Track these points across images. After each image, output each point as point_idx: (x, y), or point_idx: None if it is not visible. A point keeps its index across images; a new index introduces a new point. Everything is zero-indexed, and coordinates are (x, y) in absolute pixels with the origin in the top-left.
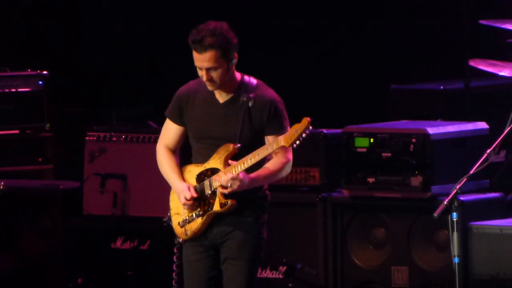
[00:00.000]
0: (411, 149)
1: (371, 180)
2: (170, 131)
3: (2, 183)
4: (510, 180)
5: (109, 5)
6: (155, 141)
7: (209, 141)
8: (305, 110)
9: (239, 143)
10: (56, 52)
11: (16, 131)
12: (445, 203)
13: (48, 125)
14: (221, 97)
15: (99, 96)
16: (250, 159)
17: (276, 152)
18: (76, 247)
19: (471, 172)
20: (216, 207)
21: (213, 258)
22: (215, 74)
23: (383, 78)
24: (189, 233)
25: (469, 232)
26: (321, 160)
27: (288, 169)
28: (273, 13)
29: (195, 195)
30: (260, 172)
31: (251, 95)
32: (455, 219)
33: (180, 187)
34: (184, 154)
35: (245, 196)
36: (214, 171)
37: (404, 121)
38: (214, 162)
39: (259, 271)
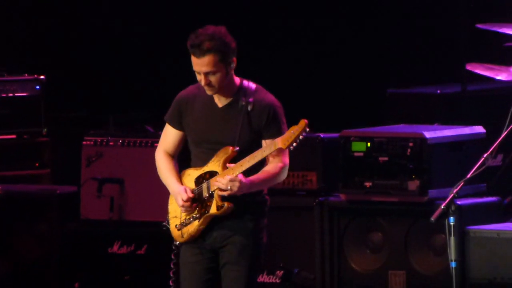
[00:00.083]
0: (408, 153)
1: (368, 184)
2: (169, 136)
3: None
4: (507, 184)
5: (109, 7)
6: (152, 146)
7: (208, 145)
8: (302, 114)
9: (237, 147)
10: (52, 55)
11: (13, 136)
12: (442, 207)
13: (45, 129)
14: (220, 101)
15: (96, 101)
16: (248, 161)
17: (273, 156)
18: (73, 252)
19: (468, 176)
20: (213, 209)
21: (211, 261)
22: (213, 79)
23: (380, 82)
24: (185, 235)
25: (466, 236)
26: (318, 164)
27: (285, 173)
28: (271, 14)
29: (191, 195)
30: (259, 175)
31: (250, 99)
32: (452, 223)
33: (177, 190)
34: (183, 159)
35: (245, 201)
36: (213, 174)
37: (401, 125)
38: (213, 165)
39: None
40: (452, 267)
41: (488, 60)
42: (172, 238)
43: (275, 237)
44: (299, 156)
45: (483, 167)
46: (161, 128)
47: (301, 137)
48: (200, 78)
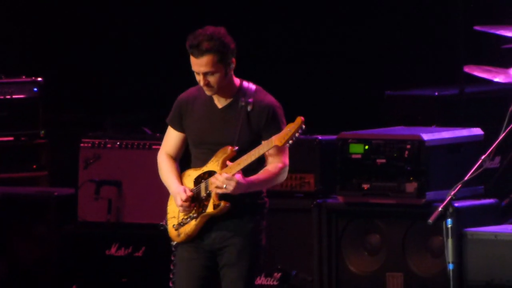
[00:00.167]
0: (406, 155)
1: (366, 186)
2: (171, 138)
3: None
4: (505, 186)
5: (107, 9)
6: (150, 148)
7: (208, 146)
8: (300, 115)
9: (236, 147)
10: (50, 57)
11: (11, 138)
12: (440, 209)
13: (42, 131)
14: (220, 102)
15: (94, 103)
16: (245, 159)
17: (272, 156)
18: (70, 254)
19: (466, 178)
20: (210, 208)
21: (207, 259)
22: (212, 79)
23: (378, 84)
24: (182, 235)
25: (464, 238)
26: (316, 166)
27: (284, 173)
28: (270, 16)
29: (190, 193)
30: (258, 176)
31: (249, 100)
32: (449, 226)
33: (177, 190)
34: (184, 162)
35: (244, 202)
36: (211, 174)
37: (399, 127)
38: (212, 165)
39: None
40: (449, 269)
41: (486, 62)
42: (170, 239)
43: (273, 239)
44: (297, 158)
45: (481, 169)
46: (159, 130)
47: (297, 134)
48: (199, 78)
